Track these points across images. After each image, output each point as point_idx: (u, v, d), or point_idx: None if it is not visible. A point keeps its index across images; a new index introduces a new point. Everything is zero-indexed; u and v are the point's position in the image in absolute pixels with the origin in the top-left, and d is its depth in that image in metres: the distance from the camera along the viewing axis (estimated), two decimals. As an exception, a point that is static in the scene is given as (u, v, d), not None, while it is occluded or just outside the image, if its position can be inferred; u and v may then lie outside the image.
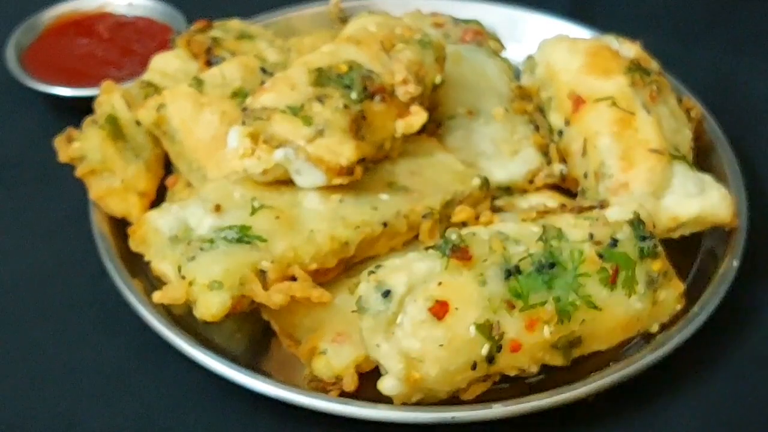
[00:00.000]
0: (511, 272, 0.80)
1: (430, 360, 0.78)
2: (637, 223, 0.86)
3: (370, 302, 0.79)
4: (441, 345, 0.78)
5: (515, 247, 0.82)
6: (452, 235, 0.81)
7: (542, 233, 0.83)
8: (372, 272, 0.81)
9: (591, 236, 0.83)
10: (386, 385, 0.82)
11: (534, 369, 0.86)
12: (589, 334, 0.84)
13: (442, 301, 0.78)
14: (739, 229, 1.03)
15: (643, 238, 0.86)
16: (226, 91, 1.09)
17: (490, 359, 0.80)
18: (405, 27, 1.09)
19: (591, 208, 0.89)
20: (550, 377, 0.91)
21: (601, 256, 0.82)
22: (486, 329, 0.79)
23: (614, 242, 0.84)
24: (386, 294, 0.77)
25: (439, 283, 0.78)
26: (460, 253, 0.79)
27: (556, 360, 0.85)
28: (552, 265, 0.80)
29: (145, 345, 0.99)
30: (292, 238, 0.93)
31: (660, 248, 0.88)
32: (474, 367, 0.81)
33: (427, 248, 0.83)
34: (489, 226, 0.86)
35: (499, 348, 0.79)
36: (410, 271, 0.79)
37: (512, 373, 0.85)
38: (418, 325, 0.76)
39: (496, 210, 1.05)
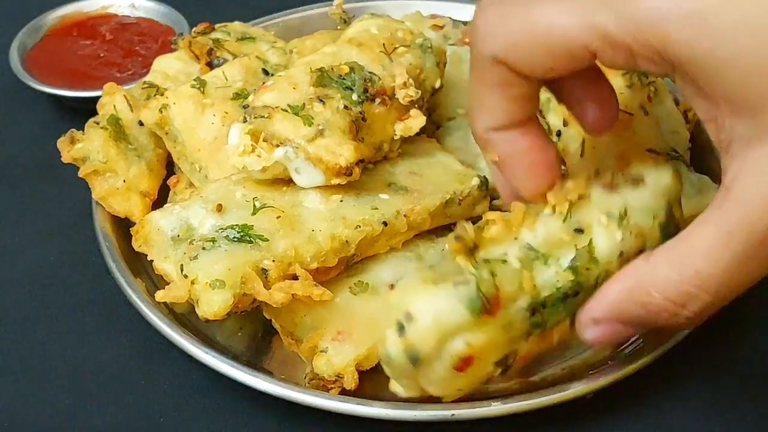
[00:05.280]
0: (537, 309, 0.73)
1: (448, 396, 0.77)
2: (669, 208, 0.75)
3: (396, 363, 0.72)
4: (459, 389, 0.76)
5: (544, 274, 0.71)
6: (483, 273, 0.69)
7: (574, 254, 0.72)
8: (402, 326, 0.70)
9: (621, 254, 0.72)
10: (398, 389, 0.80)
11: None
12: None
13: (466, 358, 0.71)
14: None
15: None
16: (228, 92, 1.09)
17: (502, 373, 0.77)
18: (406, 30, 1.10)
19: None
20: (549, 375, 0.92)
21: None
22: (503, 362, 0.76)
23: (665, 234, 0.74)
24: (415, 360, 0.71)
25: (468, 344, 0.70)
26: (490, 306, 0.70)
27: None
28: (577, 293, 0.73)
29: (147, 343, 0.99)
30: (294, 237, 0.93)
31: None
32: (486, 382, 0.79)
33: (455, 283, 0.70)
34: (518, 237, 0.72)
35: (511, 366, 0.77)
36: (438, 319, 0.69)
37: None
38: (441, 379, 0.73)
39: (493, 209, 1.03)
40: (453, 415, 0.86)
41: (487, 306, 0.69)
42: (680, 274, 0.65)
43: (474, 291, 0.68)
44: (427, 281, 0.70)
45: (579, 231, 0.71)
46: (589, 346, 0.73)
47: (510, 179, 0.76)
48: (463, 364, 0.72)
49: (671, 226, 0.73)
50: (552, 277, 0.72)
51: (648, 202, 0.73)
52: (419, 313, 0.69)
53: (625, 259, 0.73)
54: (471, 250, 0.70)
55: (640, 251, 0.72)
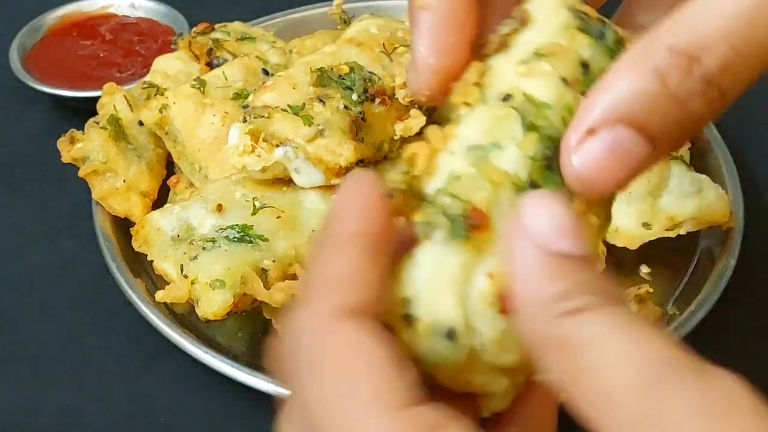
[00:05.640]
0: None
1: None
2: (577, 13, 0.57)
3: (437, 356, 0.53)
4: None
5: (506, 157, 0.54)
6: (443, 200, 0.53)
7: (519, 116, 0.54)
8: (407, 315, 0.52)
9: (564, 80, 0.54)
10: None
11: None
12: None
13: (499, 293, 0.53)
14: (735, 228, 1.03)
15: (599, 32, 0.56)
16: (228, 92, 1.09)
17: None
18: (406, 30, 1.10)
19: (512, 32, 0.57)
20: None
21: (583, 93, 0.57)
22: None
23: (585, 66, 0.56)
24: (452, 336, 0.52)
25: (489, 275, 0.52)
26: (474, 219, 0.53)
27: None
28: (557, 149, 0.54)
29: (147, 343, 0.99)
30: (294, 237, 0.93)
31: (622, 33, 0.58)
32: None
33: (425, 236, 0.53)
34: (452, 150, 0.55)
35: None
36: (436, 276, 0.52)
37: None
38: (498, 337, 0.52)
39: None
40: (453, 414, 0.85)
41: (471, 222, 0.51)
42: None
43: (446, 222, 0.51)
44: (404, 261, 0.53)
45: (506, 98, 0.54)
46: (577, 189, 0.49)
47: (428, 39, 0.57)
48: (503, 300, 0.54)
49: (593, 21, 0.56)
50: (516, 154, 0.54)
51: (548, 24, 0.56)
52: (415, 287, 0.51)
53: (573, 82, 0.55)
54: (413, 196, 0.54)
55: (583, 65, 0.55)
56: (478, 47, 0.55)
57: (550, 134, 0.52)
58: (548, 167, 0.53)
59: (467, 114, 0.56)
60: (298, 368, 0.45)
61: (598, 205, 0.52)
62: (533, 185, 0.53)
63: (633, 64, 0.45)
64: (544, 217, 0.45)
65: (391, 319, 0.50)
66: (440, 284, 0.50)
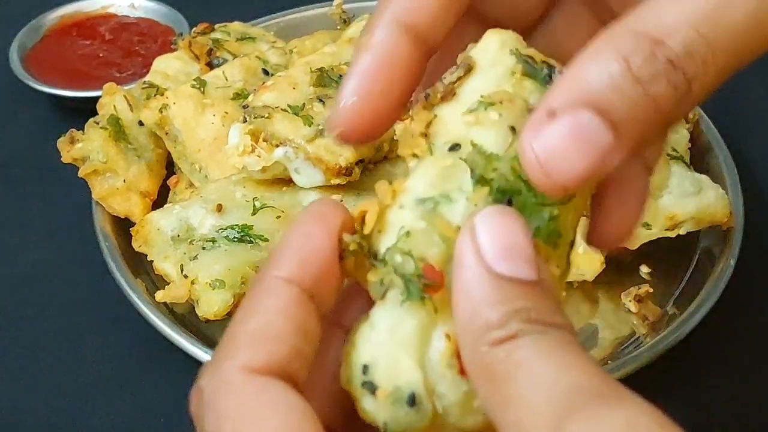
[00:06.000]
0: None
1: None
2: (521, 57, 0.54)
3: (399, 423, 0.51)
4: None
5: (457, 210, 0.50)
6: (395, 258, 0.50)
7: (468, 168, 0.51)
8: (367, 382, 0.49)
9: (513, 128, 0.51)
10: None
11: None
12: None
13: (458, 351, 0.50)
14: (735, 228, 1.04)
15: (545, 75, 0.54)
16: (228, 92, 1.09)
17: None
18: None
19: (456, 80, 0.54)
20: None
21: None
22: None
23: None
24: (412, 402, 0.50)
25: (447, 335, 0.50)
26: (430, 278, 0.50)
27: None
28: (509, 196, 0.51)
29: (147, 343, 0.99)
30: (293, 237, 0.93)
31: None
32: None
33: (380, 298, 0.50)
34: (402, 204, 0.51)
35: None
36: (394, 338, 0.49)
37: None
38: (461, 400, 0.50)
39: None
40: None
41: (425, 281, 0.48)
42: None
43: (400, 283, 0.48)
44: (361, 324, 0.50)
45: (455, 147, 0.52)
46: (538, 183, 0.44)
47: (357, 79, 0.53)
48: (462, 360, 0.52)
49: (538, 65, 0.54)
50: (466, 205, 0.50)
51: (493, 70, 0.53)
52: (372, 352, 0.49)
53: (522, 130, 0.50)
54: (366, 256, 0.50)
55: (529, 110, 0.52)
56: (421, 98, 0.53)
57: (500, 186, 0.50)
58: None
59: (415, 166, 0.54)
60: (205, 424, 0.44)
61: (560, 254, 0.49)
62: None
63: (597, 49, 0.43)
64: (493, 234, 0.43)
65: (351, 388, 0.48)
66: (398, 348, 0.48)
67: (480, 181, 0.49)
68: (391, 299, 0.48)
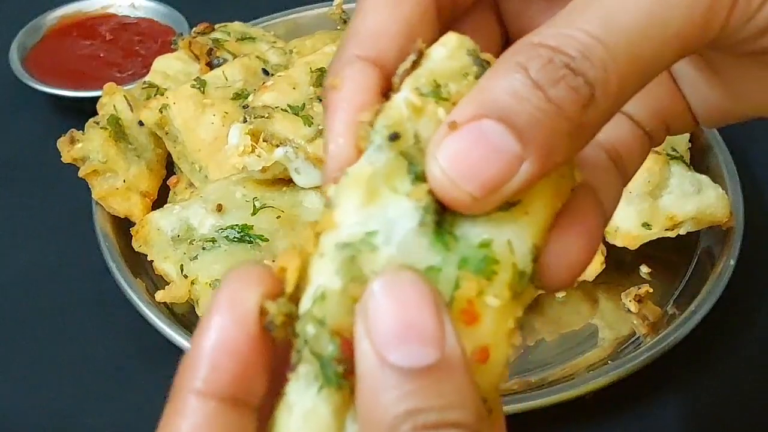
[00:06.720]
0: None
1: None
2: (477, 60, 0.48)
3: None
4: None
5: (381, 255, 0.43)
6: (307, 328, 0.42)
7: (408, 161, 0.44)
8: None
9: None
10: None
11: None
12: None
13: None
14: (735, 228, 1.04)
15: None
16: (228, 92, 1.09)
17: None
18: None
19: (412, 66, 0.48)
20: (549, 376, 0.92)
21: None
22: None
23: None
24: None
25: None
26: (346, 359, 0.42)
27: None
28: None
29: (147, 343, 0.99)
30: (294, 237, 0.93)
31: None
32: None
33: (294, 374, 0.43)
34: (322, 253, 0.42)
35: None
36: (309, 427, 0.43)
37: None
38: None
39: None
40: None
41: (341, 365, 0.41)
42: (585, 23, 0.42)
43: (315, 363, 0.42)
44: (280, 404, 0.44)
45: (394, 137, 0.44)
46: (444, 194, 0.41)
47: (341, 119, 0.48)
48: None
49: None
50: (388, 254, 0.42)
51: (447, 64, 0.48)
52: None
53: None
54: (288, 322, 0.43)
55: None
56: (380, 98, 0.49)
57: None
58: (441, 235, 0.43)
59: (341, 187, 0.44)
60: None
61: (499, 283, 0.43)
62: None
63: (498, 64, 0.43)
64: (385, 311, 0.38)
65: None
66: None
67: (420, 177, 0.43)
68: (305, 377, 0.42)
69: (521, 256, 0.43)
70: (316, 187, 0.97)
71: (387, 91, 0.47)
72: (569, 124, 0.41)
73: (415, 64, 0.47)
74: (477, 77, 0.46)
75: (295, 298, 0.42)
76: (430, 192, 0.42)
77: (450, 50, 0.48)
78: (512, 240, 0.43)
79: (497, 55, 0.46)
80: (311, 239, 0.43)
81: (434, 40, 0.48)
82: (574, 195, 0.47)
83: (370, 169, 0.43)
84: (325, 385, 0.41)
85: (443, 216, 0.42)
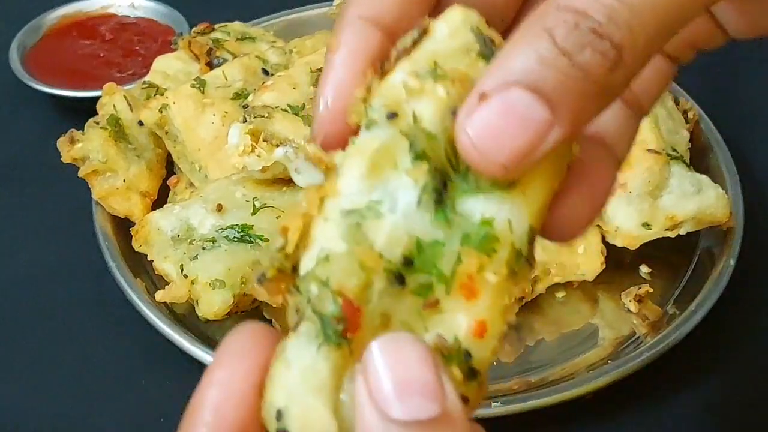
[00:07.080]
0: (403, 273, 0.46)
1: None
2: (481, 37, 0.48)
3: None
4: None
5: (383, 225, 0.44)
6: (311, 288, 0.43)
7: (410, 141, 0.45)
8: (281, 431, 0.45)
9: (454, 113, 0.45)
10: None
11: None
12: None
13: None
14: (735, 228, 1.04)
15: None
16: (228, 92, 1.09)
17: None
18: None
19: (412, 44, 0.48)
20: (549, 375, 0.92)
21: None
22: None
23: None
24: None
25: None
26: (347, 318, 0.44)
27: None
28: (445, 184, 0.46)
29: (147, 343, 0.99)
30: (293, 237, 0.93)
31: None
32: None
33: (294, 331, 0.44)
34: (326, 217, 0.45)
35: (469, 355, 0.47)
36: (307, 382, 0.44)
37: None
38: None
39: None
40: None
41: (342, 323, 0.43)
42: None
43: (316, 320, 0.44)
44: (277, 358, 0.45)
45: (392, 116, 0.46)
46: (477, 166, 0.42)
47: (332, 80, 0.50)
48: None
49: (496, 49, 0.49)
50: (393, 220, 0.44)
51: (450, 42, 0.48)
52: (286, 397, 0.44)
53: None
54: (288, 276, 0.45)
55: None
56: (377, 68, 0.49)
57: (437, 166, 0.45)
58: (442, 216, 0.44)
59: (347, 156, 0.48)
60: None
61: (498, 260, 0.44)
62: (410, 263, 0.45)
63: (523, 30, 0.43)
64: (386, 368, 0.39)
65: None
66: (311, 394, 0.43)
67: (420, 156, 0.45)
68: (305, 334, 0.43)
69: (519, 235, 0.44)
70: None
71: (388, 53, 0.47)
72: (597, 86, 0.41)
73: (416, 43, 0.47)
74: (480, 55, 0.47)
75: (291, 259, 0.44)
76: (430, 171, 0.44)
77: (453, 28, 0.48)
78: (512, 219, 0.44)
79: (517, 7, 0.48)
80: (315, 203, 0.45)
81: None
82: (585, 147, 0.48)
83: (373, 144, 0.45)
84: (325, 343, 0.42)
85: (444, 194, 0.44)
